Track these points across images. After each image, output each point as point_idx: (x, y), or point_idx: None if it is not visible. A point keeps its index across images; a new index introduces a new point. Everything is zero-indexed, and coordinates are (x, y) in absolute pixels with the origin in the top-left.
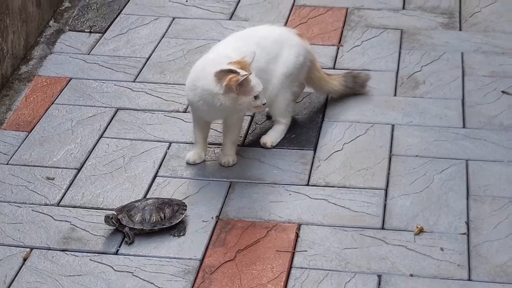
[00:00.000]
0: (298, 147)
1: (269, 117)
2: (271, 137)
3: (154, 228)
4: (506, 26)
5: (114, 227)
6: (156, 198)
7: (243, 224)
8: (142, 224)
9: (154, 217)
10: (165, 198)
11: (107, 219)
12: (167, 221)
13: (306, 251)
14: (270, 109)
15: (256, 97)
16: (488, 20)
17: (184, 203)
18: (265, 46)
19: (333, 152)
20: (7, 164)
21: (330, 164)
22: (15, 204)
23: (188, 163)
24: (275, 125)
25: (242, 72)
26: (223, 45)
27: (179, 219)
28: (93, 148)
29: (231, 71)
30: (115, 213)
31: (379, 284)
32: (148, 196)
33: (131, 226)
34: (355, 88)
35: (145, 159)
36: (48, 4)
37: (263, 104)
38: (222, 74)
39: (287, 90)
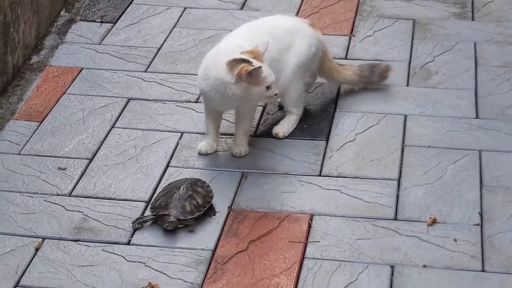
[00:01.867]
0: (311, 137)
1: (281, 107)
2: (283, 128)
3: (193, 216)
4: None
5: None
6: (184, 185)
7: (255, 215)
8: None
9: (189, 207)
10: (191, 182)
11: (141, 222)
12: (201, 207)
13: (318, 241)
14: (282, 99)
15: (268, 88)
16: (501, 10)
17: (206, 183)
18: (277, 36)
19: (346, 143)
20: (19, 154)
21: (342, 154)
22: (27, 194)
23: (200, 153)
24: (287, 115)
25: (255, 62)
26: (235, 35)
27: (210, 203)
28: (104, 138)
29: (243, 61)
30: (154, 213)
31: (392, 275)
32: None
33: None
34: (371, 78)
35: (157, 149)
36: None
37: (275, 95)
38: (234, 63)
39: (299, 81)
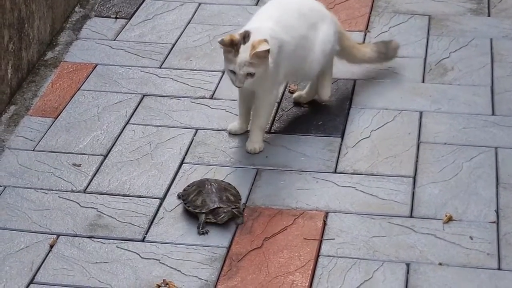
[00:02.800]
0: (326, 134)
1: (296, 103)
2: (327, 92)
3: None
4: None
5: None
6: (208, 182)
7: (270, 212)
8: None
9: (232, 197)
10: (210, 179)
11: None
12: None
13: (333, 239)
14: (315, 73)
15: (231, 71)
16: None
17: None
18: (305, 13)
19: (361, 139)
20: (33, 150)
21: (357, 151)
22: (42, 190)
23: (230, 133)
24: (322, 77)
25: (242, 47)
26: (266, 13)
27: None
28: (119, 135)
29: (245, 36)
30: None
31: (408, 272)
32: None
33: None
34: (387, 53)
35: (172, 145)
36: None
37: (236, 85)
38: (242, 32)
39: (330, 53)
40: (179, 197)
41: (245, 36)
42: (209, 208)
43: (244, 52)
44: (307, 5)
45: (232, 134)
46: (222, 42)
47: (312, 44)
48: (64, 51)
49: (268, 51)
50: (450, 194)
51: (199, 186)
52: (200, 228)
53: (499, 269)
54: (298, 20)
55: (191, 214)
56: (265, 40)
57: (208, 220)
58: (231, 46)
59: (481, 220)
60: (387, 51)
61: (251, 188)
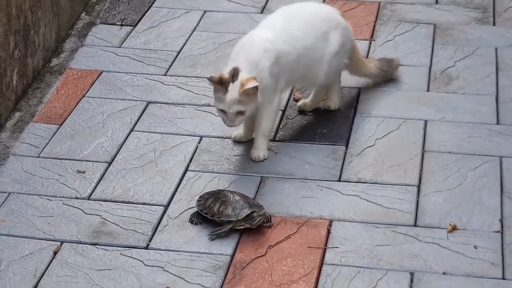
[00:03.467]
0: (330, 142)
1: (300, 111)
2: (334, 100)
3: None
4: None
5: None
6: (226, 191)
7: (274, 220)
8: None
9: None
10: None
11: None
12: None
13: (337, 247)
14: (322, 84)
15: (221, 110)
16: None
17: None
18: (314, 23)
19: (365, 148)
20: (38, 157)
21: (362, 159)
22: (46, 197)
23: (234, 141)
24: (330, 87)
25: (231, 85)
26: (273, 20)
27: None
28: (124, 142)
29: (233, 73)
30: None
31: (412, 281)
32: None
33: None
34: (389, 71)
35: (176, 153)
36: None
37: (225, 123)
38: (232, 70)
39: (334, 66)
40: (197, 214)
41: (234, 75)
42: (244, 215)
43: (233, 91)
44: (320, 14)
45: (236, 141)
46: (211, 79)
47: (320, 55)
48: (69, 58)
49: (256, 88)
50: (454, 203)
51: (218, 197)
52: (220, 233)
53: (503, 278)
54: (305, 30)
55: (205, 224)
56: (253, 78)
57: (239, 227)
58: (220, 84)
59: (485, 230)
60: (388, 69)
61: (255, 196)
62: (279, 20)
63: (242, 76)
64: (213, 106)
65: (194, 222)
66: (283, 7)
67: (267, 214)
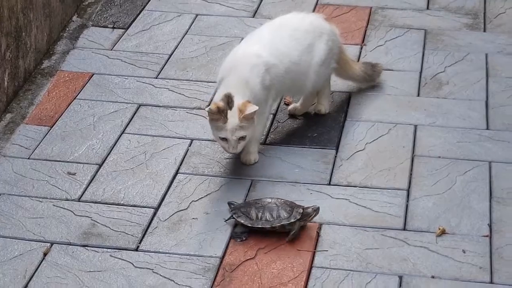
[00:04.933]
0: (320, 146)
1: (291, 115)
2: (324, 105)
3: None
4: None
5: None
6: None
7: None
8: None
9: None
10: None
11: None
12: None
13: (327, 250)
14: (311, 91)
15: (222, 139)
16: None
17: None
18: (297, 37)
19: (355, 152)
20: (28, 158)
21: (352, 163)
22: (36, 198)
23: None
24: (321, 92)
25: (230, 113)
26: (257, 36)
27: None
28: (114, 144)
29: (227, 100)
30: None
31: (400, 285)
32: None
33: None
34: (373, 77)
35: (167, 155)
36: None
37: (229, 152)
38: (224, 96)
39: (323, 74)
40: (241, 230)
41: (229, 101)
42: (304, 213)
43: (233, 117)
44: (303, 26)
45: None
46: (210, 112)
47: (307, 67)
48: (61, 60)
49: (255, 112)
50: (443, 208)
51: (260, 208)
52: (294, 233)
53: (491, 282)
54: (289, 46)
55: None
56: (248, 101)
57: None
58: (219, 114)
59: (474, 234)
60: (372, 74)
61: (245, 199)
62: (264, 35)
63: (237, 101)
64: (204, 109)
65: (241, 239)
66: (267, 22)
67: (317, 206)
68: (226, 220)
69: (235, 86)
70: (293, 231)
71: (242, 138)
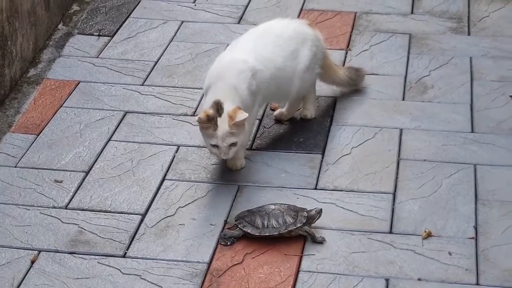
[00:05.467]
0: (306, 151)
1: (277, 121)
2: (310, 110)
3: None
4: None
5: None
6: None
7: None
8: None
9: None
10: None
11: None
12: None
13: (314, 254)
14: (297, 97)
15: (213, 145)
16: (496, 25)
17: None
18: (281, 44)
19: (341, 156)
20: (15, 166)
21: (338, 168)
22: (23, 206)
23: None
24: (307, 97)
25: (220, 120)
26: (241, 44)
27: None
28: (101, 151)
29: (217, 108)
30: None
31: None
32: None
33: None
34: (356, 81)
35: (153, 162)
36: (57, 8)
37: (222, 158)
38: (214, 104)
39: (308, 80)
40: (233, 236)
41: (218, 108)
42: (309, 216)
43: (223, 124)
44: (286, 33)
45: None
46: (200, 121)
47: (291, 73)
48: (46, 68)
49: (246, 118)
50: (429, 211)
51: (265, 216)
52: (316, 238)
53: (477, 284)
54: (273, 52)
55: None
56: (238, 107)
57: (309, 227)
58: (209, 122)
59: (460, 236)
60: (356, 78)
61: (232, 205)
62: (248, 42)
63: (227, 107)
64: (190, 115)
65: (225, 244)
66: (251, 29)
67: (319, 208)
68: (231, 234)
69: (223, 92)
70: (313, 237)
71: (233, 144)
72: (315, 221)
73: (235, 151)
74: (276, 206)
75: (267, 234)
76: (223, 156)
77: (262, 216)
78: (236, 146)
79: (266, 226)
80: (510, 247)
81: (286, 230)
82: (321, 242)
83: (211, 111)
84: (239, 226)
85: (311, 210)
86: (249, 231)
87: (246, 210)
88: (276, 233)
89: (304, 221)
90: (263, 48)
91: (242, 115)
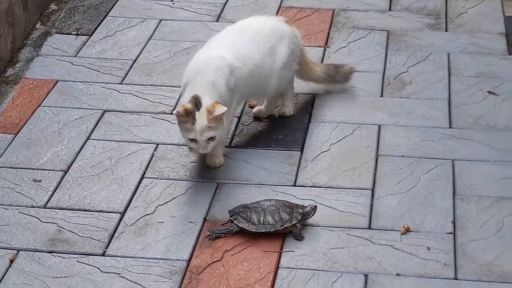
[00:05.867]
0: (285, 148)
1: (256, 118)
2: (288, 107)
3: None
4: (492, 27)
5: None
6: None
7: (230, 225)
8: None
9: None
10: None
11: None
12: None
13: (293, 251)
14: (275, 93)
15: (191, 140)
16: (474, 21)
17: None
18: (259, 41)
19: (320, 153)
20: None
21: (317, 164)
22: (2, 206)
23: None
24: (285, 94)
25: (198, 114)
26: (219, 41)
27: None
28: (80, 150)
29: (195, 103)
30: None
31: (366, 283)
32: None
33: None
34: (336, 78)
35: (132, 160)
36: (35, 7)
37: (201, 152)
38: (192, 99)
39: (285, 76)
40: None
41: (197, 103)
42: (304, 212)
43: (201, 118)
44: (264, 30)
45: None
46: (178, 114)
47: (269, 70)
48: (25, 67)
49: (224, 112)
50: (407, 206)
51: (261, 212)
52: (298, 236)
53: (455, 279)
54: (251, 49)
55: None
56: (217, 102)
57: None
58: (187, 116)
59: (438, 231)
60: (335, 75)
61: (211, 202)
62: (226, 39)
63: (205, 102)
64: (169, 113)
65: (213, 238)
66: (229, 27)
67: (314, 204)
68: (224, 224)
69: (202, 88)
70: (296, 233)
71: (211, 138)
72: (310, 217)
73: (213, 146)
74: (271, 202)
75: (263, 231)
76: (201, 151)
77: (258, 212)
78: (215, 141)
79: (262, 222)
80: (488, 242)
81: (282, 227)
82: (300, 239)
83: (189, 105)
84: (234, 221)
85: (306, 207)
86: (245, 227)
87: (241, 205)
88: (272, 229)
89: (300, 217)
90: (241, 45)
91: (221, 109)
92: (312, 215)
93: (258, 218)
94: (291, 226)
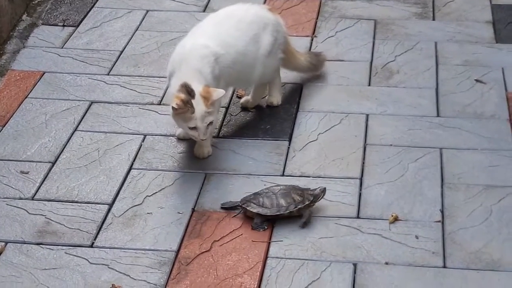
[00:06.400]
0: (273, 137)
1: (244, 108)
2: (276, 97)
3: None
4: (479, 15)
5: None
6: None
7: (219, 215)
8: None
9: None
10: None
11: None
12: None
13: (281, 241)
14: (260, 83)
15: (192, 128)
16: (461, 10)
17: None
18: (242, 28)
19: (308, 143)
20: None
21: (305, 154)
22: None
23: (178, 138)
24: (271, 84)
25: (194, 101)
26: (201, 30)
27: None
28: (67, 142)
29: (188, 91)
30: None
31: (355, 272)
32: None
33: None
34: (317, 65)
35: (120, 151)
36: None
37: (201, 139)
38: (181, 88)
39: (271, 63)
40: (261, 220)
41: (189, 91)
42: (314, 194)
43: (199, 105)
44: (248, 17)
45: (180, 139)
46: (178, 107)
47: (253, 58)
48: (11, 59)
49: (223, 95)
50: (396, 195)
51: (272, 196)
52: (307, 222)
53: (444, 267)
54: (235, 36)
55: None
56: (207, 86)
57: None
58: (186, 106)
59: (426, 220)
60: (317, 63)
61: (199, 193)
62: (209, 27)
63: (197, 88)
64: (156, 104)
65: (263, 229)
66: (212, 14)
67: (323, 186)
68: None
69: (189, 75)
70: (305, 217)
71: (210, 123)
72: (320, 199)
73: (211, 131)
74: (281, 187)
75: (277, 213)
76: (202, 137)
77: (270, 196)
78: (212, 125)
79: (274, 205)
80: (476, 230)
81: (296, 208)
82: (303, 227)
83: (183, 95)
84: (247, 208)
85: (315, 189)
86: (258, 211)
87: (252, 193)
88: (286, 212)
89: (311, 199)
90: (224, 32)
91: (218, 93)
92: (322, 197)
93: (270, 202)
94: (303, 208)
